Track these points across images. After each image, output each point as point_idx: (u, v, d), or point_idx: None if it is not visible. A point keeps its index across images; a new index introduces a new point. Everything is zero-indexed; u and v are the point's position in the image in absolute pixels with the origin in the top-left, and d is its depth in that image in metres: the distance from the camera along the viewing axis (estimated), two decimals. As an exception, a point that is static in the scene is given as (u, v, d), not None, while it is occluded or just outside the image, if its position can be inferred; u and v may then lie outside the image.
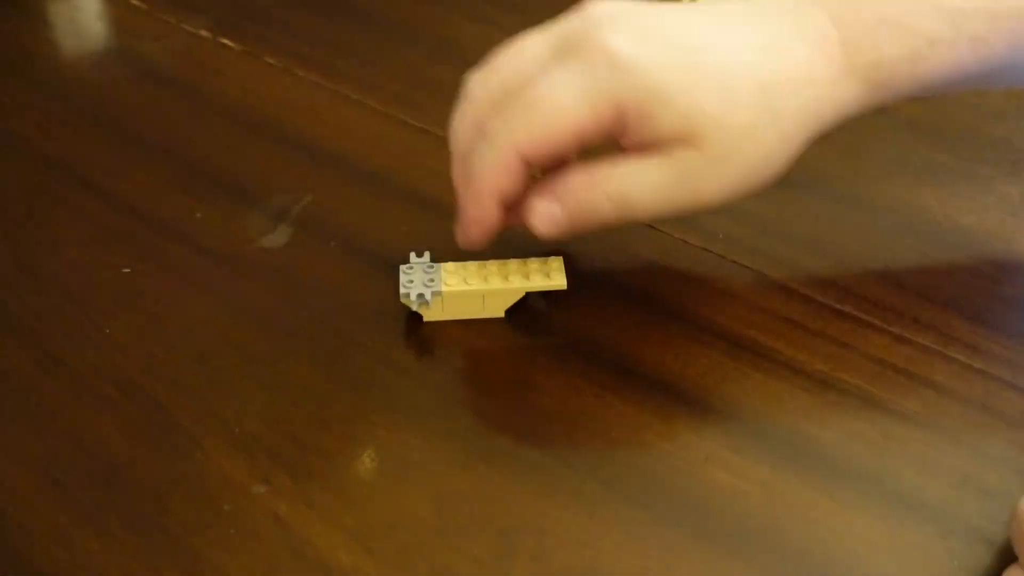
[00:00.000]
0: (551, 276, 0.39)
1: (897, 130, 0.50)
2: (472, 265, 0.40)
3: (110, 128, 0.50)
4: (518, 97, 0.35)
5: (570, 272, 0.40)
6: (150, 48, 0.56)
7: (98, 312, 0.40)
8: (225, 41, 0.57)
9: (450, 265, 0.40)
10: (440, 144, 0.49)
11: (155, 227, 0.44)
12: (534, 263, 0.40)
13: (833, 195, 0.46)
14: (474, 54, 0.56)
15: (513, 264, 0.40)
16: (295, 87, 0.53)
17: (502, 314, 0.40)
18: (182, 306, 0.40)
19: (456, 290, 0.39)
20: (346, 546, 0.32)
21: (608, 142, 0.36)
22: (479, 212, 0.36)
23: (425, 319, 0.39)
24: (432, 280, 0.39)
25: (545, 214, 0.36)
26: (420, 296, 0.38)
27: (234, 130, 0.50)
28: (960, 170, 0.48)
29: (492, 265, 0.40)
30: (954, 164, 0.48)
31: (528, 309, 0.40)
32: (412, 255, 0.40)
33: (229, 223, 0.44)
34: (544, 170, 0.37)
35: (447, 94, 0.53)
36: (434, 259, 0.40)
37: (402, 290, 0.39)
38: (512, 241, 0.42)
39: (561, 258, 0.40)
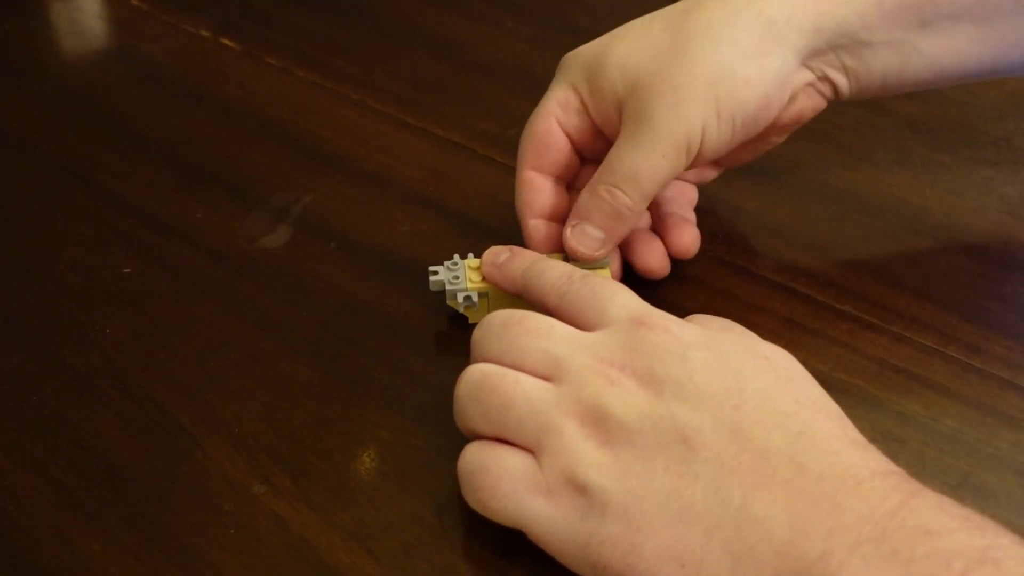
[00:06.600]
0: (599, 275, 0.38)
1: (897, 130, 0.50)
2: None
3: (110, 128, 0.50)
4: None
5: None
6: (150, 48, 0.56)
7: (98, 312, 0.40)
8: (225, 41, 0.57)
9: (474, 262, 0.39)
10: (440, 144, 0.49)
11: (155, 227, 0.44)
12: (581, 264, 0.39)
13: (833, 195, 0.46)
14: (474, 54, 0.57)
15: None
16: (295, 87, 0.53)
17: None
18: (182, 306, 0.40)
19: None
20: (346, 546, 0.32)
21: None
22: (524, 233, 0.40)
23: (471, 321, 0.39)
24: (456, 277, 0.38)
25: (577, 241, 0.38)
26: (467, 298, 0.38)
27: (234, 130, 0.50)
28: (960, 170, 0.48)
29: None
30: (954, 164, 0.48)
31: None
32: (456, 257, 0.39)
33: (229, 223, 0.44)
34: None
35: (447, 94, 0.54)
36: (436, 259, 0.40)
37: (448, 290, 0.38)
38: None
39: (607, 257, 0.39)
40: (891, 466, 0.27)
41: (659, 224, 0.41)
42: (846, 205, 0.46)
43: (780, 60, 0.36)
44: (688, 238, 0.41)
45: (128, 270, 0.42)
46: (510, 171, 0.47)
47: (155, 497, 0.33)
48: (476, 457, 0.30)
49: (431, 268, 0.39)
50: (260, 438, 0.35)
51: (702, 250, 0.43)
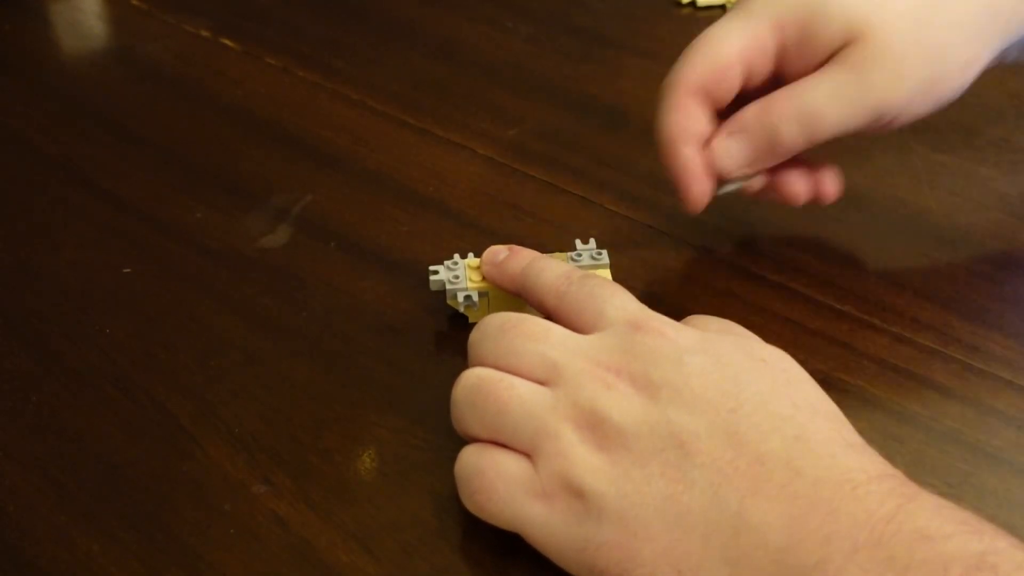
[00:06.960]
0: (598, 275, 0.38)
1: (897, 130, 0.50)
2: None
3: (110, 128, 0.50)
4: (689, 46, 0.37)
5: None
6: (150, 48, 0.56)
7: (98, 312, 0.40)
8: (225, 41, 0.57)
9: (474, 262, 0.39)
10: (440, 144, 0.49)
11: (155, 227, 0.44)
12: (582, 263, 0.39)
13: (833, 195, 0.46)
14: (474, 54, 0.57)
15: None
16: (295, 87, 0.53)
17: None
18: (182, 306, 0.40)
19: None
20: (346, 546, 0.32)
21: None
22: (676, 162, 0.37)
23: (471, 321, 0.39)
24: (456, 277, 0.38)
25: (725, 150, 0.37)
26: (467, 298, 0.38)
27: (234, 130, 0.50)
28: (960, 170, 0.48)
29: None
30: (954, 164, 0.48)
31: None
32: (457, 256, 0.39)
33: (229, 223, 0.44)
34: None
35: (447, 94, 0.54)
36: (436, 259, 0.40)
37: (448, 290, 0.38)
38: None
39: (605, 251, 0.39)
40: (889, 468, 0.27)
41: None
42: (846, 205, 0.46)
43: (989, 51, 0.35)
44: (834, 183, 0.40)
45: (128, 270, 0.42)
46: (510, 171, 0.48)
47: (155, 497, 0.33)
48: (473, 460, 0.30)
49: (431, 268, 0.39)
50: (260, 438, 0.35)
51: (703, 249, 0.43)
